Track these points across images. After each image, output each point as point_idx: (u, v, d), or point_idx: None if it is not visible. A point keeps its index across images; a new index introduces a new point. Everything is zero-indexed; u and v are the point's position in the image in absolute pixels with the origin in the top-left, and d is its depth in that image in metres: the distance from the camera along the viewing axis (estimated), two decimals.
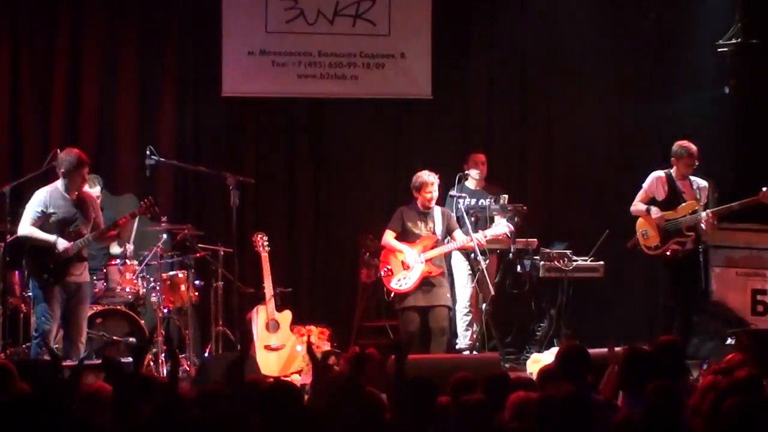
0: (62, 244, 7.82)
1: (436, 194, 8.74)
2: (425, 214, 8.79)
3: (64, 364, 7.26)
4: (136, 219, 8.61)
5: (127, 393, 4.86)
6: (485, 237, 8.83)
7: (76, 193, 7.96)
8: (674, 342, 6.22)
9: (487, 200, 9.51)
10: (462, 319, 9.46)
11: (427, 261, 8.72)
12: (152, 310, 8.93)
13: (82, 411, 4.83)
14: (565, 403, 4.58)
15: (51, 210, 7.88)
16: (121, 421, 4.70)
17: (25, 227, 7.90)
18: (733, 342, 8.67)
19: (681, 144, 8.97)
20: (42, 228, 7.87)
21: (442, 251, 8.82)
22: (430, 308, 8.65)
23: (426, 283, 8.66)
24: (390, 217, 8.82)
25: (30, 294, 8.27)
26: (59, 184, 7.95)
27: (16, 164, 9.56)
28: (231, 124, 10.25)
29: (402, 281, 8.67)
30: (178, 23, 10.08)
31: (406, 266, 8.69)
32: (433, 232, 8.78)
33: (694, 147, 8.94)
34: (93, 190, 8.69)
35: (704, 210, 8.84)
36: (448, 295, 8.81)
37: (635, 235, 9.08)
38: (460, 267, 9.47)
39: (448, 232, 8.85)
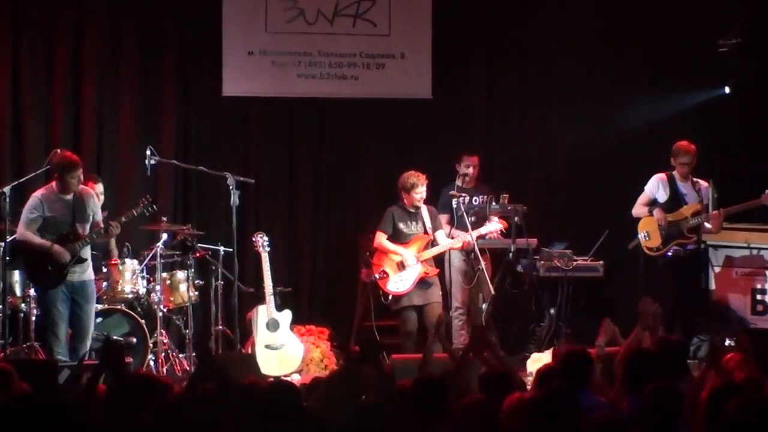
0: (58, 248, 7.82)
1: (424, 194, 8.78)
2: (414, 214, 8.83)
3: (64, 364, 7.30)
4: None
5: (122, 390, 4.84)
6: (479, 235, 8.88)
7: (72, 193, 7.95)
8: (679, 342, 6.13)
9: (480, 198, 9.49)
10: (458, 319, 9.46)
11: (423, 262, 8.76)
12: (152, 310, 8.93)
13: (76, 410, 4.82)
14: (547, 401, 4.57)
15: (47, 213, 7.88)
16: (116, 421, 4.69)
17: (21, 231, 7.91)
18: (733, 342, 8.66)
19: (679, 144, 9.00)
20: (40, 230, 7.87)
21: (437, 251, 8.86)
22: (425, 305, 8.73)
23: (421, 283, 8.72)
24: (381, 218, 8.86)
25: (33, 293, 8.30)
26: (55, 185, 7.95)
27: (17, 164, 9.56)
28: (231, 124, 10.25)
29: (399, 283, 8.72)
30: (178, 23, 10.07)
31: (402, 267, 8.71)
32: (425, 231, 8.82)
33: (692, 146, 8.95)
34: (96, 185, 8.71)
35: (706, 212, 8.84)
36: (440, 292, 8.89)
37: (636, 236, 9.09)
38: (459, 266, 9.46)
39: (434, 230, 8.89)
